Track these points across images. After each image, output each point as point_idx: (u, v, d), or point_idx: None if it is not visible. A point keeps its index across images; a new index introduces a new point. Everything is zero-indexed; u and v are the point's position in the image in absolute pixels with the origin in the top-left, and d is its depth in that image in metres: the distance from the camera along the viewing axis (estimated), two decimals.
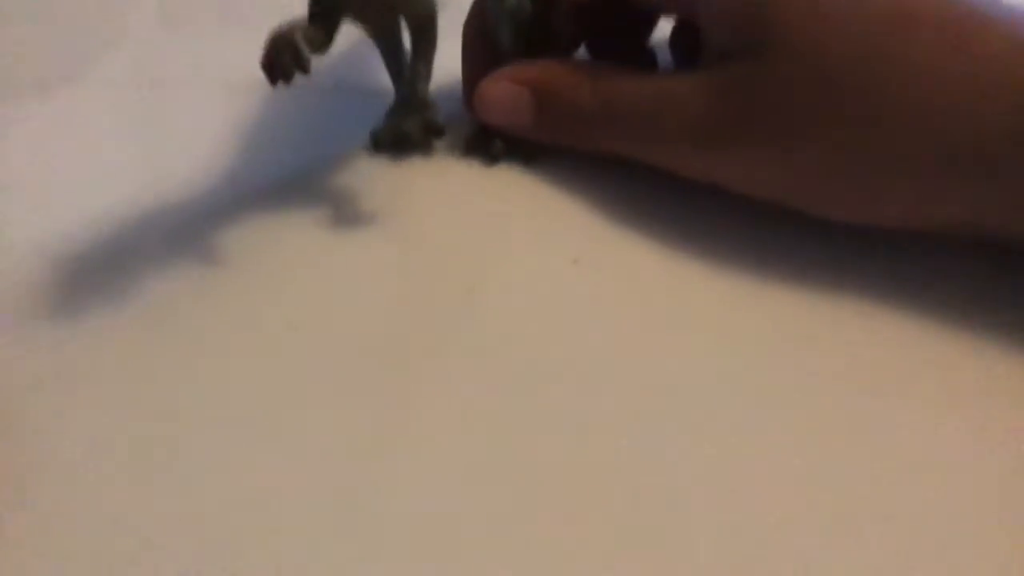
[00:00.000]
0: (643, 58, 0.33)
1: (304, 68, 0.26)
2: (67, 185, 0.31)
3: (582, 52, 0.34)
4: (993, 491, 0.21)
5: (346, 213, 0.29)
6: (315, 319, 0.26)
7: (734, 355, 0.25)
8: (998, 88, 0.23)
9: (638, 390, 0.24)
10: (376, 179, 0.31)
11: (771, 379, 0.24)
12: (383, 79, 0.32)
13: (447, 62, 0.32)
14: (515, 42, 0.31)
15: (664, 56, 0.34)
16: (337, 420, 0.23)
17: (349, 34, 0.29)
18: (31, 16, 0.42)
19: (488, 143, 0.31)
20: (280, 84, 0.26)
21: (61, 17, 0.42)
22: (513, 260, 0.28)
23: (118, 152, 0.33)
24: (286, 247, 0.28)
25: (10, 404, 0.23)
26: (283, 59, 0.26)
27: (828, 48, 0.25)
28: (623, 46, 0.33)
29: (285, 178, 0.31)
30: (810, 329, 0.25)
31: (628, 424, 0.23)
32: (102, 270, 0.27)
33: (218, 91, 0.35)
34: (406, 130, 0.31)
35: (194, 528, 0.20)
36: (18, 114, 0.35)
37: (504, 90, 0.30)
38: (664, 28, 0.34)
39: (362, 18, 0.29)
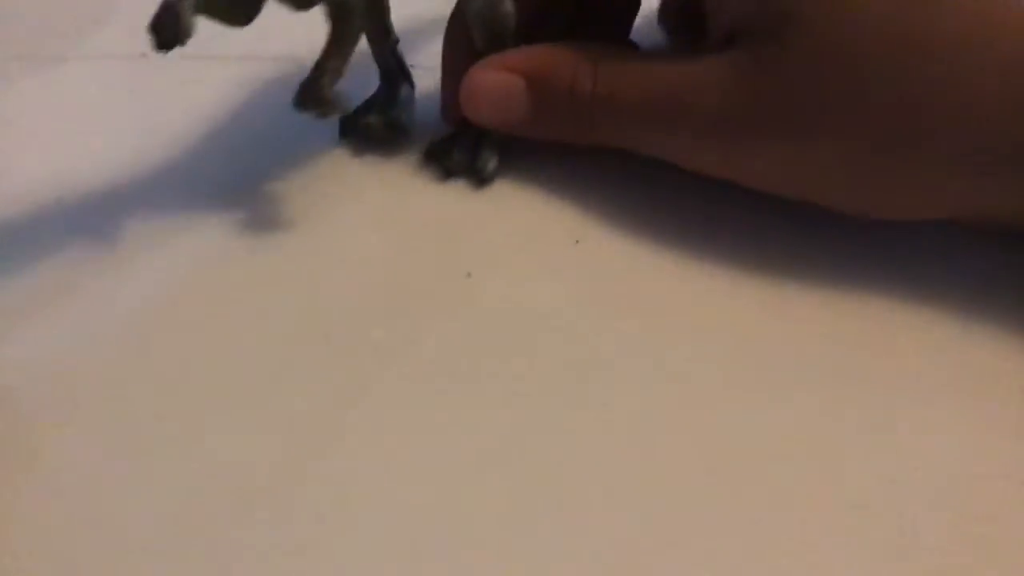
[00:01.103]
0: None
1: (180, 40, 0.24)
2: (50, 163, 0.31)
3: None
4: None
5: (330, 195, 0.29)
6: (304, 304, 0.25)
7: (736, 345, 0.24)
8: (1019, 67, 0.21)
9: (639, 377, 0.23)
10: (338, 175, 0.30)
11: (774, 371, 0.23)
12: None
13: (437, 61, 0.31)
14: (490, 46, 0.28)
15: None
16: (329, 410, 0.23)
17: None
18: None
19: (448, 155, 0.29)
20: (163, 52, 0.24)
21: None
22: (512, 244, 0.27)
23: (102, 128, 0.33)
24: (270, 229, 0.28)
25: None
26: (168, 28, 0.24)
27: (852, 28, 0.23)
28: (608, 35, 0.31)
29: (265, 155, 0.30)
30: (818, 320, 0.25)
31: (627, 414, 0.22)
32: (70, 255, 0.27)
33: (209, 64, 0.35)
34: (369, 124, 0.30)
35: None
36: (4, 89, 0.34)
37: (494, 80, 0.27)
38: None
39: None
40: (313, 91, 0.26)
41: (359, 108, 0.31)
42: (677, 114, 0.25)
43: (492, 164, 0.29)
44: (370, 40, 0.30)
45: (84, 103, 0.35)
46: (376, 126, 0.30)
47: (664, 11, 0.32)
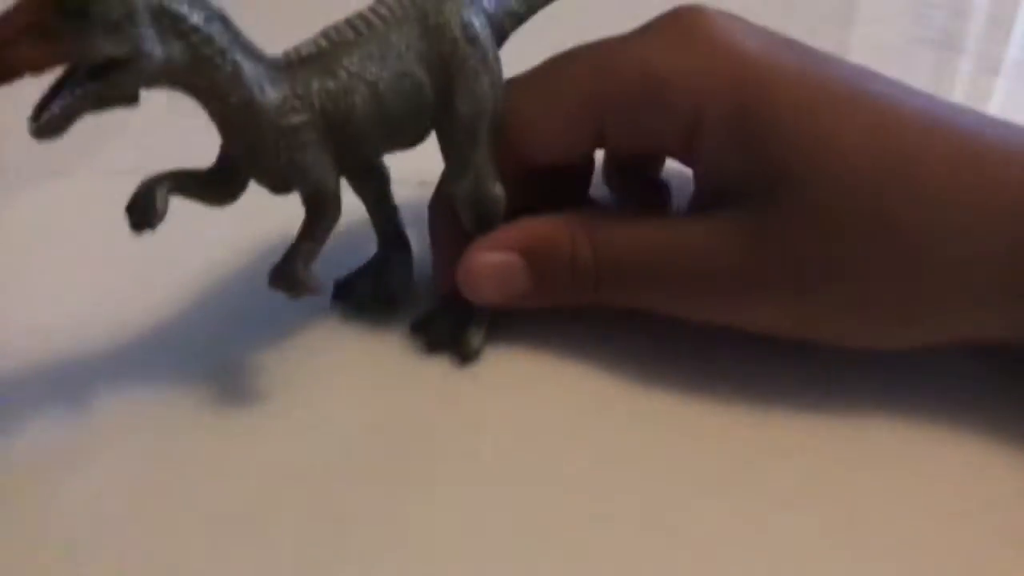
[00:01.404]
0: (656, 190, 0.32)
1: (152, 223, 0.25)
2: (57, 276, 0.32)
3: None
4: None
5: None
6: (283, 475, 0.26)
7: (718, 471, 0.25)
8: (1008, 213, 0.24)
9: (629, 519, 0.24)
10: (327, 342, 0.30)
11: (755, 492, 0.25)
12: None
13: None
14: (480, 229, 0.28)
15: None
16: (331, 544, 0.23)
17: None
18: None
19: (434, 329, 0.30)
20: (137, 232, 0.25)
21: None
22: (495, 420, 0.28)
23: (95, 256, 0.33)
24: (250, 400, 0.28)
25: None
26: (143, 210, 0.25)
27: (840, 189, 0.24)
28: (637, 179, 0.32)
29: (256, 315, 0.31)
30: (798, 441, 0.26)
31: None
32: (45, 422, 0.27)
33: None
34: (360, 292, 0.31)
35: None
36: (11, 201, 0.35)
37: (493, 261, 0.28)
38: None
39: (260, 182, 0.27)
40: (286, 272, 0.26)
41: (353, 273, 0.31)
42: (681, 275, 0.26)
43: (478, 341, 0.29)
44: (368, 208, 0.31)
45: (81, 224, 0.35)
46: (367, 294, 0.31)
47: (607, 173, 0.32)
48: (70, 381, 0.28)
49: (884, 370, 0.28)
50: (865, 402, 0.27)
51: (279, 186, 0.26)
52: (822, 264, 0.25)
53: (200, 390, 0.28)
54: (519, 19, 0.29)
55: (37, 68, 0.21)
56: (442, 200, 0.30)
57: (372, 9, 0.27)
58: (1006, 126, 0.25)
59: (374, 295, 0.31)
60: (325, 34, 0.26)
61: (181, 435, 0.27)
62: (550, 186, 0.29)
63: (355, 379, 0.29)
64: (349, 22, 0.26)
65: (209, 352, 0.29)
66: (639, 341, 0.29)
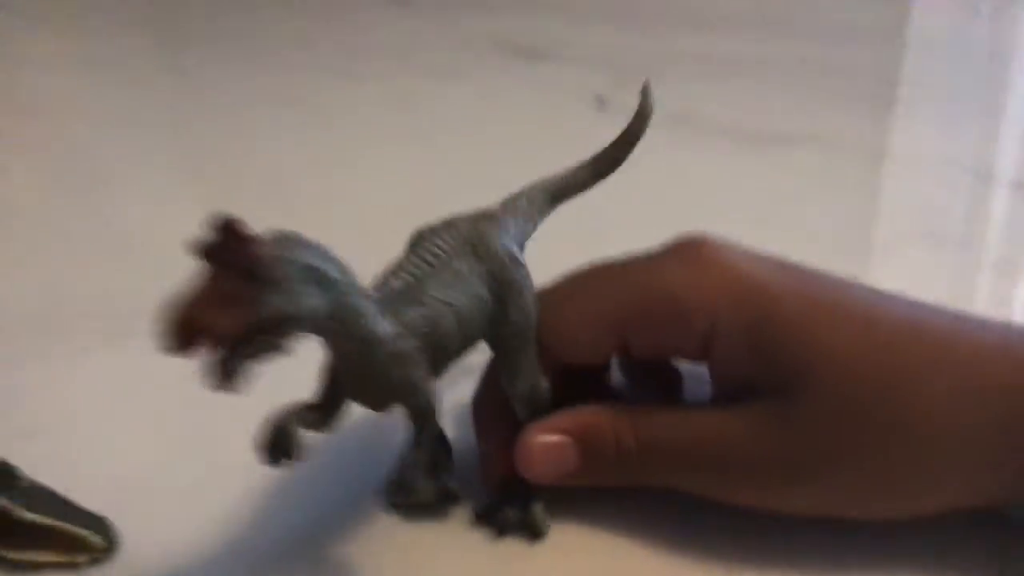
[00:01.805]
0: (668, 375, 0.36)
1: (298, 456, 0.28)
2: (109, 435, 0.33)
3: None
4: None
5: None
6: None
7: None
8: (994, 396, 0.29)
9: None
10: (390, 542, 0.32)
11: None
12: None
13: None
14: (532, 418, 0.32)
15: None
16: None
17: None
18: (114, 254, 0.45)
19: (500, 515, 0.32)
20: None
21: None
22: None
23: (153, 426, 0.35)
24: None
25: None
26: (276, 446, 0.28)
27: (852, 387, 0.29)
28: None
29: (312, 513, 0.33)
30: None
31: None
32: None
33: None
34: (420, 494, 0.32)
35: None
36: (82, 361, 0.37)
37: (547, 443, 0.31)
38: None
39: (364, 404, 0.30)
40: (406, 485, 0.30)
41: (405, 476, 0.33)
42: (713, 462, 0.30)
43: (544, 519, 0.32)
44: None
45: (145, 390, 0.37)
46: (428, 493, 0.32)
47: (623, 364, 0.37)
48: None
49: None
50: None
51: (381, 404, 0.30)
52: (837, 449, 0.29)
53: None
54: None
55: (227, 332, 0.23)
56: (487, 397, 0.33)
57: (431, 245, 0.31)
58: (979, 321, 0.31)
59: (438, 494, 0.33)
60: (403, 269, 0.30)
61: None
62: (576, 378, 0.34)
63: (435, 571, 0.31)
64: (419, 257, 0.30)
65: (271, 549, 0.31)
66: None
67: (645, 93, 0.35)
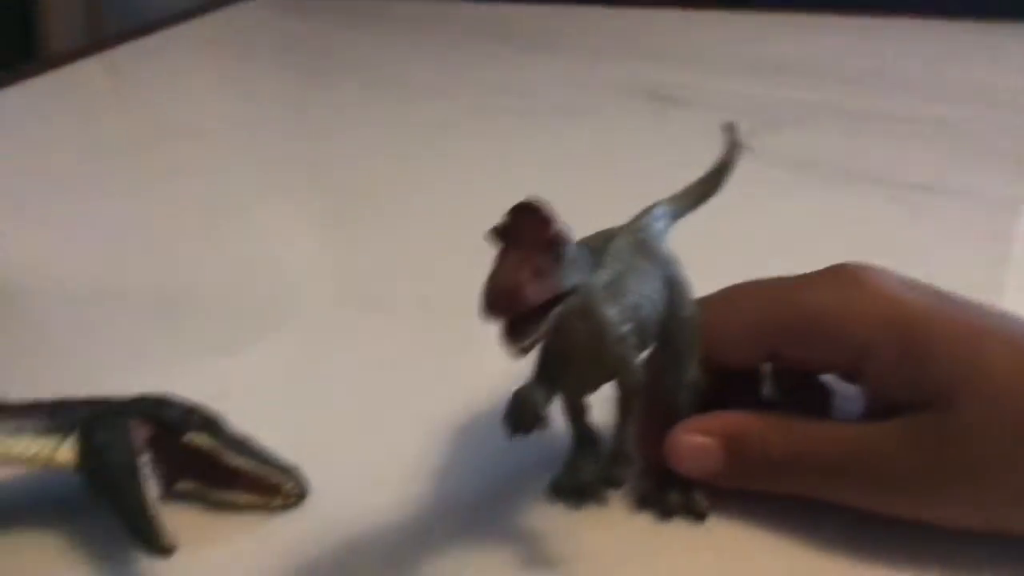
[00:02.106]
0: (820, 391, 0.37)
1: (543, 425, 0.30)
2: None
3: None
4: None
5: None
6: None
7: None
8: None
9: None
10: (553, 521, 0.34)
11: None
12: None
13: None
14: (690, 408, 0.35)
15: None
16: None
17: None
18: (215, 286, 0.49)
19: (663, 498, 0.34)
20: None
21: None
22: None
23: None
24: None
25: None
26: (525, 418, 0.30)
27: (1009, 400, 0.30)
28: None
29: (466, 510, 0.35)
30: None
31: None
32: None
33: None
34: (585, 479, 0.34)
35: None
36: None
37: (695, 441, 0.34)
38: None
39: (575, 385, 0.33)
40: (621, 456, 0.33)
41: (568, 467, 0.35)
42: (867, 473, 0.32)
43: (706, 501, 0.34)
44: (568, 405, 0.35)
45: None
46: (593, 481, 0.34)
47: (775, 373, 0.38)
48: None
49: None
50: None
51: (594, 385, 0.33)
52: (987, 457, 0.30)
53: None
54: None
55: (537, 301, 0.26)
56: (651, 388, 0.35)
57: (611, 247, 0.34)
58: None
59: (605, 482, 0.35)
60: (605, 263, 0.33)
61: None
62: (731, 385, 0.36)
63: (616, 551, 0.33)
64: (613, 255, 0.33)
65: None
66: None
67: (730, 129, 0.40)
